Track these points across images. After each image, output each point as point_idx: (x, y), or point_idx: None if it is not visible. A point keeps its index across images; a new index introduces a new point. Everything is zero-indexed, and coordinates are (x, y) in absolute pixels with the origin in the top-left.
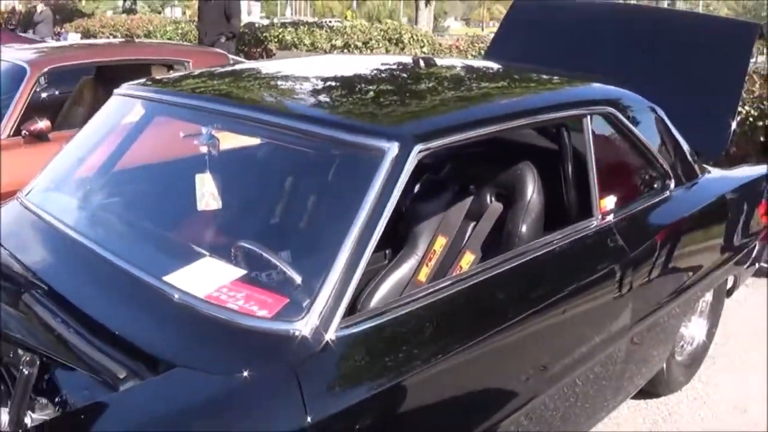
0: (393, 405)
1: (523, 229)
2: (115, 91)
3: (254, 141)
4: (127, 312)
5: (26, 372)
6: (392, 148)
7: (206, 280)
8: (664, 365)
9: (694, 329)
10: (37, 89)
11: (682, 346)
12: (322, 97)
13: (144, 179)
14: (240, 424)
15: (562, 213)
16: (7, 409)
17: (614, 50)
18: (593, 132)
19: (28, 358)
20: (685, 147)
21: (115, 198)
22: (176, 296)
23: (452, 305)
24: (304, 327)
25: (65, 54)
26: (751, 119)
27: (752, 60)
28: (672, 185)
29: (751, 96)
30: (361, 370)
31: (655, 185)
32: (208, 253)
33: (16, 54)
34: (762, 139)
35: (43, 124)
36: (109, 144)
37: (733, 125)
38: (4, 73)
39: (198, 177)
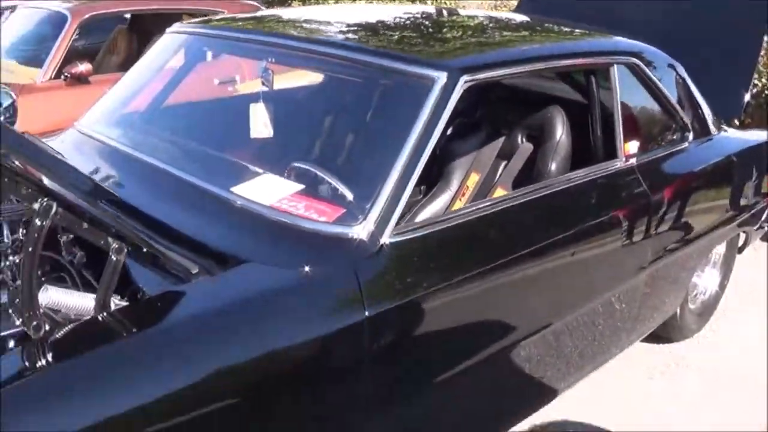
0: (438, 304)
1: (552, 167)
2: (168, 29)
3: (308, 76)
4: (198, 219)
5: (114, 259)
6: (441, 78)
7: (269, 192)
8: (678, 311)
9: (707, 280)
10: (76, 36)
11: (696, 295)
12: (373, 34)
13: (203, 110)
14: (305, 312)
15: (588, 155)
16: (94, 296)
17: (638, 11)
18: (619, 81)
19: (116, 246)
20: (703, 104)
21: (172, 126)
22: (244, 204)
23: (488, 225)
24: (361, 231)
25: (104, 2)
26: (766, 92)
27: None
28: (690, 137)
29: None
30: (412, 271)
31: (675, 136)
32: (268, 172)
33: (58, 2)
34: None
35: (83, 67)
36: (162, 78)
37: (747, 96)
38: (47, 20)
39: (252, 106)
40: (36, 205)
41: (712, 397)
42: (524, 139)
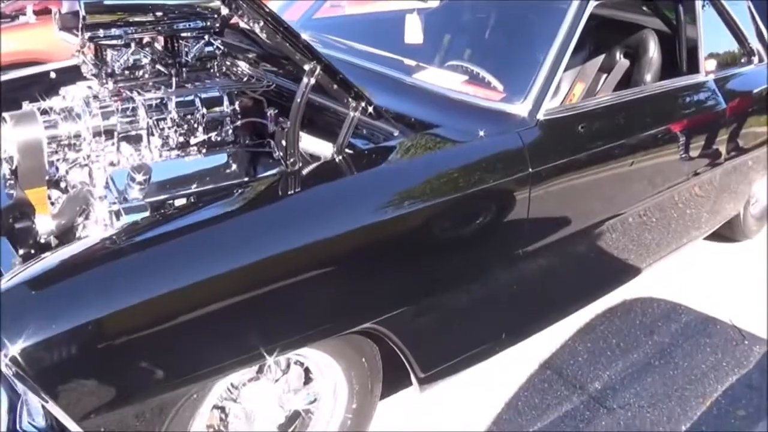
0: (576, 168)
1: (647, 78)
2: None
3: None
4: (392, 99)
5: (352, 115)
6: None
7: (443, 80)
8: (741, 212)
9: (765, 188)
10: None
11: (756, 201)
12: None
13: (372, 21)
14: (484, 163)
15: (674, 72)
16: (331, 144)
17: None
18: (702, 7)
19: (354, 104)
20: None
21: (349, 33)
22: (427, 87)
23: (606, 115)
24: (522, 109)
25: None
26: None
27: None
28: (755, 61)
29: None
30: (561, 142)
31: (743, 59)
32: (436, 67)
33: None
34: None
35: None
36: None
37: None
38: None
39: (408, 17)
40: (306, 66)
41: None
42: (622, 56)
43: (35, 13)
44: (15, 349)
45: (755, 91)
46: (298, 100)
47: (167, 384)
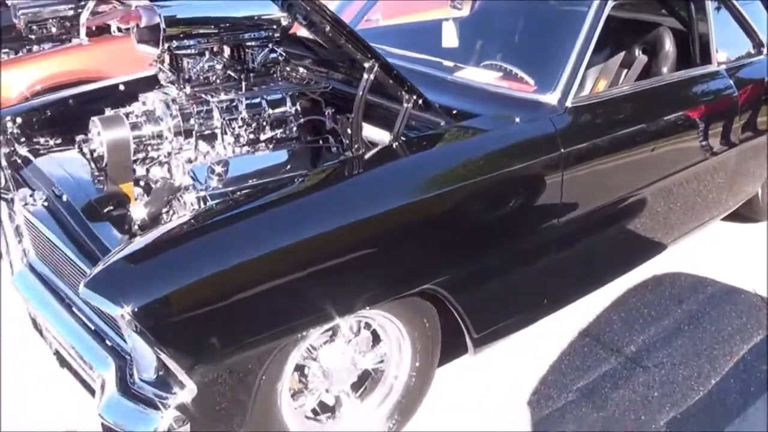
0: (603, 150)
1: (664, 71)
2: None
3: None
4: (435, 94)
5: (405, 107)
6: None
7: (481, 76)
8: (760, 192)
9: None
10: None
11: None
12: None
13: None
14: (521, 146)
15: (690, 64)
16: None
17: None
18: (712, 4)
19: (407, 97)
20: None
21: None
22: (467, 83)
23: (629, 103)
24: (552, 98)
25: None
26: None
27: None
28: (764, 51)
29: None
30: (588, 126)
31: (753, 50)
32: (473, 65)
33: None
34: None
35: None
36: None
37: None
38: None
39: (444, 23)
40: (366, 64)
41: None
42: (640, 52)
43: (90, 35)
44: (134, 307)
45: (762, 78)
46: (360, 93)
47: (258, 339)
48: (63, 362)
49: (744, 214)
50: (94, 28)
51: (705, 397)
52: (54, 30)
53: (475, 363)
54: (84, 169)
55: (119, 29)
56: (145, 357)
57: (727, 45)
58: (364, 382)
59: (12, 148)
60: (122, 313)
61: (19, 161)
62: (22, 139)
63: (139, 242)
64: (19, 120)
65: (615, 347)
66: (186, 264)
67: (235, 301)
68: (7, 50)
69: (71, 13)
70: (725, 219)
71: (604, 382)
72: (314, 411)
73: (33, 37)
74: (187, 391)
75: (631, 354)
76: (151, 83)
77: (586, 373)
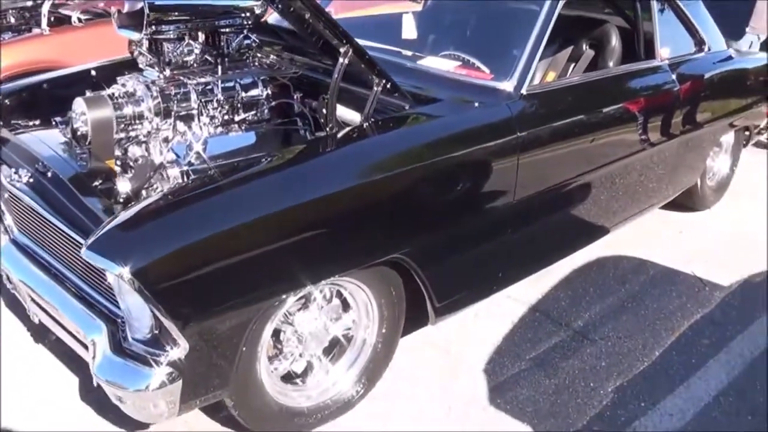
0: (555, 133)
1: (610, 64)
2: None
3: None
4: (400, 80)
5: (375, 89)
6: None
7: (441, 65)
8: (699, 183)
9: (720, 163)
10: None
11: (713, 174)
12: None
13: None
14: (480, 129)
15: (634, 57)
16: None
17: None
18: (656, 4)
19: (377, 80)
20: (715, 26)
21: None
22: (431, 70)
23: (576, 93)
24: (509, 85)
25: None
26: None
27: None
28: (706, 49)
29: None
30: (541, 112)
31: (695, 47)
32: (433, 55)
33: None
34: None
35: None
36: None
37: (747, 29)
38: None
39: (404, 15)
40: (342, 49)
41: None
42: (587, 47)
43: (50, 25)
44: (134, 267)
45: (706, 75)
46: (336, 75)
47: (242, 300)
48: (39, 338)
49: (684, 204)
50: (52, 19)
51: (649, 367)
52: (13, 20)
53: (434, 335)
54: (65, 147)
55: (79, 20)
56: (140, 317)
57: (670, 42)
58: (334, 349)
59: None
60: (123, 272)
61: None
62: None
63: (134, 210)
64: None
65: (564, 322)
66: (177, 230)
67: (222, 265)
68: None
69: (30, 3)
70: (666, 207)
71: (555, 353)
72: (285, 377)
73: None
74: (179, 349)
75: (579, 328)
76: (120, 69)
77: (538, 344)
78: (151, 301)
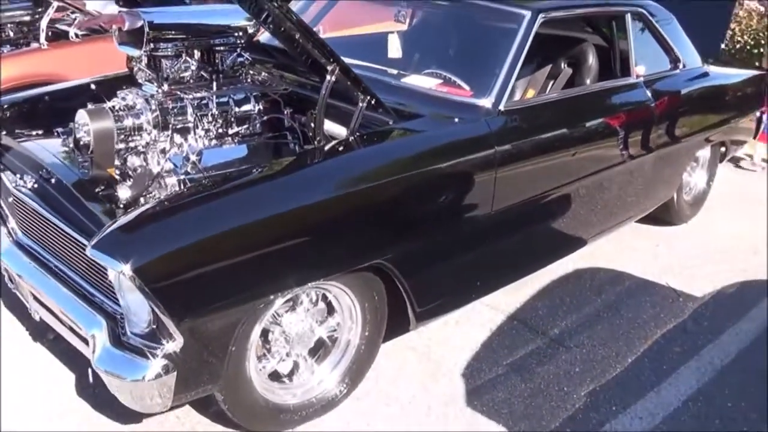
0: (532, 147)
1: (587, 82)
2: None
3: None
4: (384, 96)
5: (360, 105)
6: (528, 14)
7: (424, 82)
8: (675, 198)
9: (697, 178)
10: None
11: (689, 189)
12: None
13: (362, 41)
14: (460, 144)
15: (610, 75)
16: (344, 128)
17: None
18: (631, 24)
19: (362, 97)
20: (690, 45)
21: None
22: (414, 88)
23: (554, 109)
24: (487, 102)
25: None
26: (748, 47)
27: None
28: (681, 66)
29: (749, 29)
30: (518, 127)
31: (670, 65)
32: (416, 73)
33: None
34: (757, 63)
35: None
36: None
37: (722, 45)
38: None
39: (389, 36)
40: (329, 67)
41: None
42: (566, 66)
43: (48, 39)
44: (135, 265)
45: (679, 89)
46: (323, 92)
47: (234, 299)
48: (37, 336)
49: (662, 218)
50: (50, 34)
51: (622, 373)
52: (11, 35)
53: (415, 341)
54: (67, 155)
55: (76, 35)
56: (138, 312)
57: (646, 60)
58: (319, 350)
59: None
60: (124, 269)
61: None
62: (2, 131)
63: (135, 213)
64: None
65: (540, 330)
66: (174, 233)
67: (214, 266)
68: None
69: (28, 18)
70: (644, 221)
71: (531, 359)
72: (273, 375)
73: None
74: (175, 343)
75: (555, 336)
76: (118, 83)
77: (515, 351)
78: (150, 297)
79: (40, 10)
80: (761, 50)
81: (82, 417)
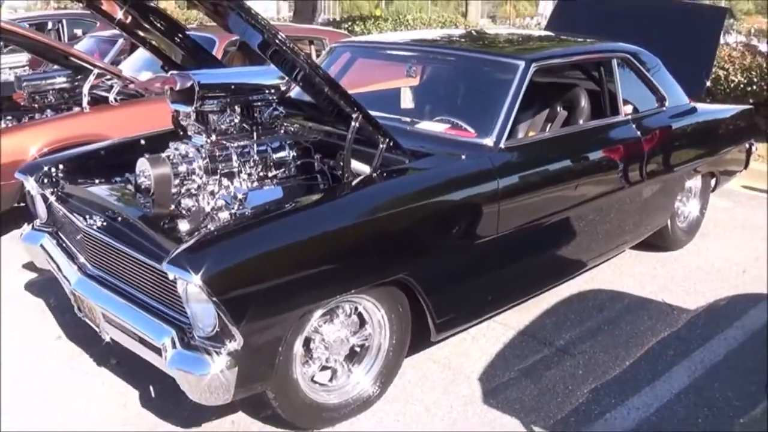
0: (532, 182)
1: (581, 122)
2: (332, 45)
3: (437, 67)
4: (401, 139)
5: (381, 147)
6: (522, 64)
7: (435, 127)
8: (669, 224)
9: (690, 206)
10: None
11: (684, 218)
12: (472, 42)
13: (378, 95)
14: (466, 178)
15: (600, 115)
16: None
17: (630, 27)
18: (618, 68)
19: (383, 139)
20: (675, 84)
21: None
22: (427, 131)
23: (551, 147)
24: (490, 141)
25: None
26: (741, 86)
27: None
28: (667, 104)
29: (741, 67)
30: (518, 163)
31: (656, 104)
32: (427, 120)
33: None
34: (750, 101)
35: None
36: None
37: (707, 82)
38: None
39: (402, 89)
40: (354, 114)
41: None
42: (561, 109)
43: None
44: (201, 277)
45: (665, 126)
46: (349, 136)
47: (284, 307)
48: (101, 361)
49: (658, 244)
50: (90, 98)
51: (620, 373)
52: (53, 100)
53: (436, 354)
54: (129, 198)
55: (115, 99)
56: (204, 319)
57: (633, 100)
58: (354, 356)
59: (57, 188)
60: (195, 280)
61: (66, 197)
62: (66, 182)
63: (199, 237)
64: (61, 166)
65: (547, 341)
66: (233, 252)
67: (268, 278)
68: (10, 118)
69: (67, 85)
70: (642, 248)
71: (539, 365)
72: (313, 379)
73: (36, 105)
74: (236, 342)
75: (561, 346)
76: (164, 138)
77: (524, 359)
78: (217, 304)
79: (79, 77)
80: (754, 88)
81: (150, 424)
